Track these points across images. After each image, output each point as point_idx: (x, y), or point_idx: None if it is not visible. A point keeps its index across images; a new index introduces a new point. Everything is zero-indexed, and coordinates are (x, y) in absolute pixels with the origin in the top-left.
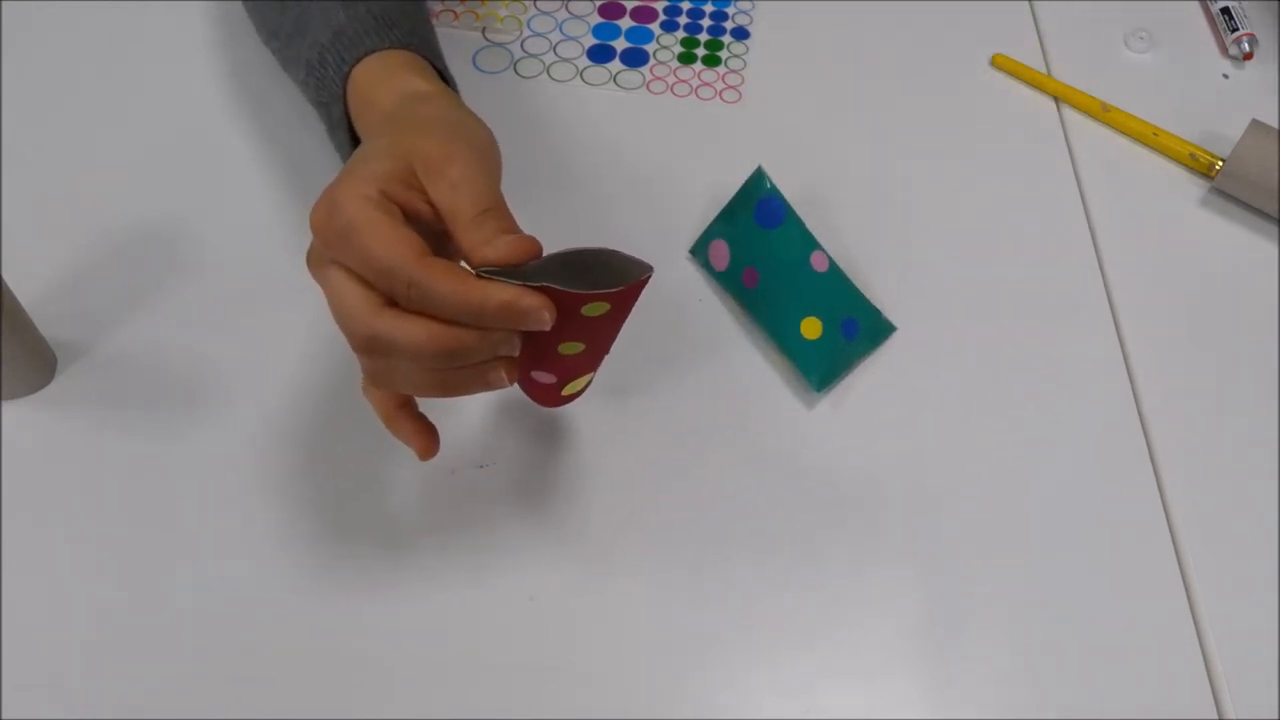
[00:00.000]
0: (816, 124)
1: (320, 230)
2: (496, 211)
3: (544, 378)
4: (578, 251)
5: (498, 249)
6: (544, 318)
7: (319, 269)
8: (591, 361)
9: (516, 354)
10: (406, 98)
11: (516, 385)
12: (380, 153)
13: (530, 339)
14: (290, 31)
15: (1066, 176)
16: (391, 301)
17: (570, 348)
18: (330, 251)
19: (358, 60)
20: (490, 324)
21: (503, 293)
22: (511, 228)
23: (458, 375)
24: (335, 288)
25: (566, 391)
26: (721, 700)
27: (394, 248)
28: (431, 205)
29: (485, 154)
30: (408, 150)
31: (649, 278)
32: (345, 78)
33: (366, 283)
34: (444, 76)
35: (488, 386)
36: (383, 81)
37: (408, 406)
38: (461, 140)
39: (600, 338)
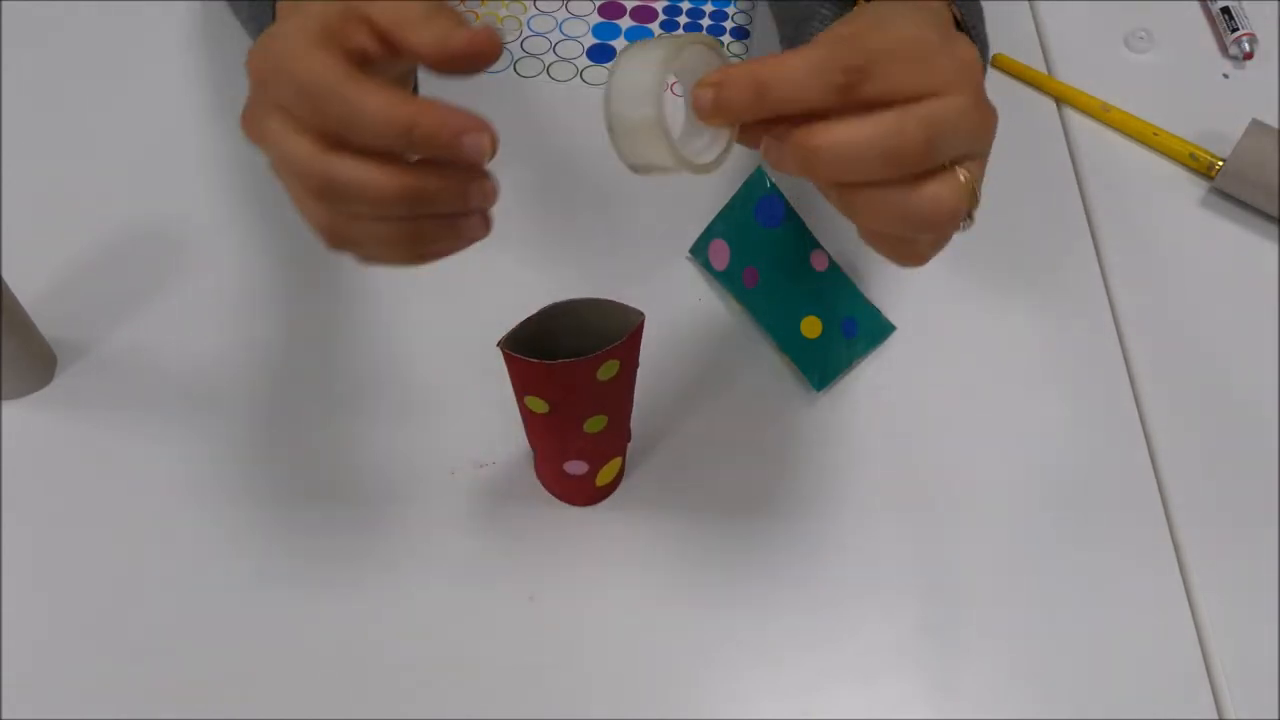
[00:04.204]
0: None
1: (255, 70)
2: (446, 10)
3: (576, 468)
4: (552, 309)
5: (459, 39)
6: (482, 142)
7: (257, 124)
8: (617, 438)
9: (491, 203)
10: None
11: (547, 490)
12: (304, 8)
13: (554, 426)
14: None
15: (1066, 176)
16: (338, 144)
17: (595, 424)
18: (265, 93)
19: None
20: (424, 143)
21: (439, 107)
22: (465, 23)
23: (428, 227)
24: (277, 136)
25: (601, 481)
26: (721, 701)
27: (324, 70)
28: (379, 34)
29: None
30: None
31: (643, 323)
32: None
33: (310, 129)
34: None
35: (461, 239)
36: None
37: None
38: None
39: (619, 403)
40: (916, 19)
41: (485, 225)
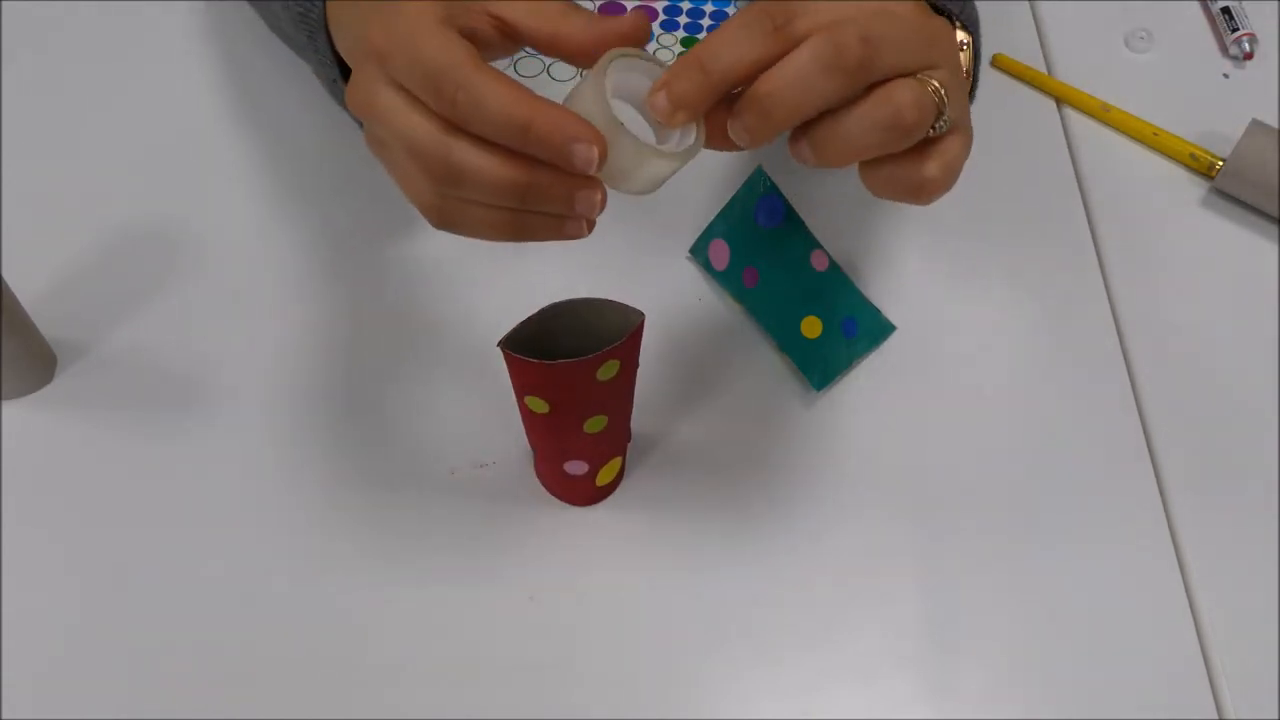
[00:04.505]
0: None
1: (374, 43)
2: (574, 4)
3: (576, 468)
4: (552, 309)
5: (624, 23)
6: (591, 153)
7: (368, 97)
8: (617, 438)
9: (595, 213)
10: None
11: (548, 490)
12: None
13: (554, 426)
14: None
15: (1067, 176)
16: (456, 128)
17: (594, 424)
18: (382, 67)
19: None
20: (535, 144)
21: (557, 110)
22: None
23: (532, 220)
24: (392, 113)
25: (601, 481)
26: (721, 701)
27: (451, 53)
28: (496, 19)
29: None
30: None
31: (643, 323)
32: None
33: (426, 107)
34: None
35: (563, 235)
36: None
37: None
38: None
39: (619, 403)
40: None
41: (587, 228)
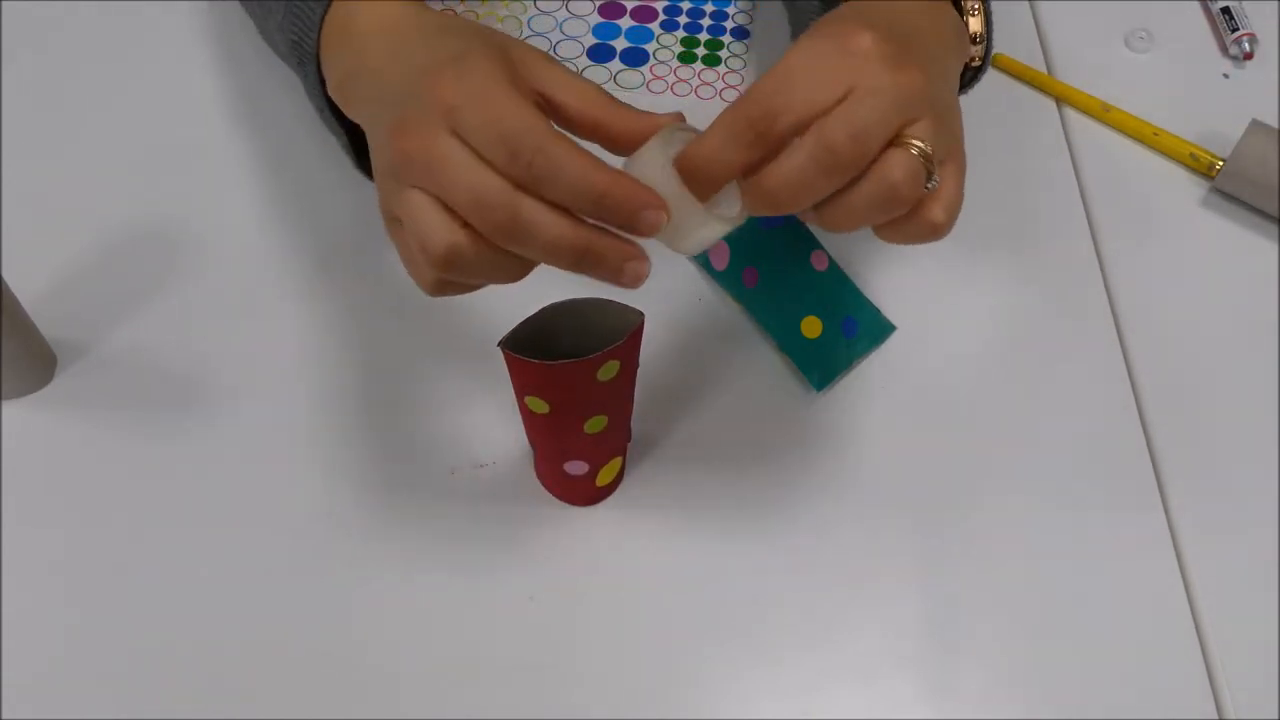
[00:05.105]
0: None
1: (443, 94)
2: (611, 96)
3: (576, 468)
4: (552, 309)
5: (662, 119)
6: (657, 220)
7: (425, 141)
8: (617, 439)
9: (635, 286)
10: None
11: (547, 490)
12: (481, 48)
13: (554, 426)
14: None
15: (1067, 176)
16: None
17: (594, 424)
18: (448, 117)
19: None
20: (608, 212)
21: (628, 180)
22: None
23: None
24: (463, 165)
25: (601, 481)
26: (721, 701)
27: (533, 121)
28: (544, 97)
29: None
30: (504, 44)
31: (643, 323)
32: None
33: (496, 168)
34: None
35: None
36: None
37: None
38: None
39: (619, 403)
40: (858, 15)
41: (641, 277)
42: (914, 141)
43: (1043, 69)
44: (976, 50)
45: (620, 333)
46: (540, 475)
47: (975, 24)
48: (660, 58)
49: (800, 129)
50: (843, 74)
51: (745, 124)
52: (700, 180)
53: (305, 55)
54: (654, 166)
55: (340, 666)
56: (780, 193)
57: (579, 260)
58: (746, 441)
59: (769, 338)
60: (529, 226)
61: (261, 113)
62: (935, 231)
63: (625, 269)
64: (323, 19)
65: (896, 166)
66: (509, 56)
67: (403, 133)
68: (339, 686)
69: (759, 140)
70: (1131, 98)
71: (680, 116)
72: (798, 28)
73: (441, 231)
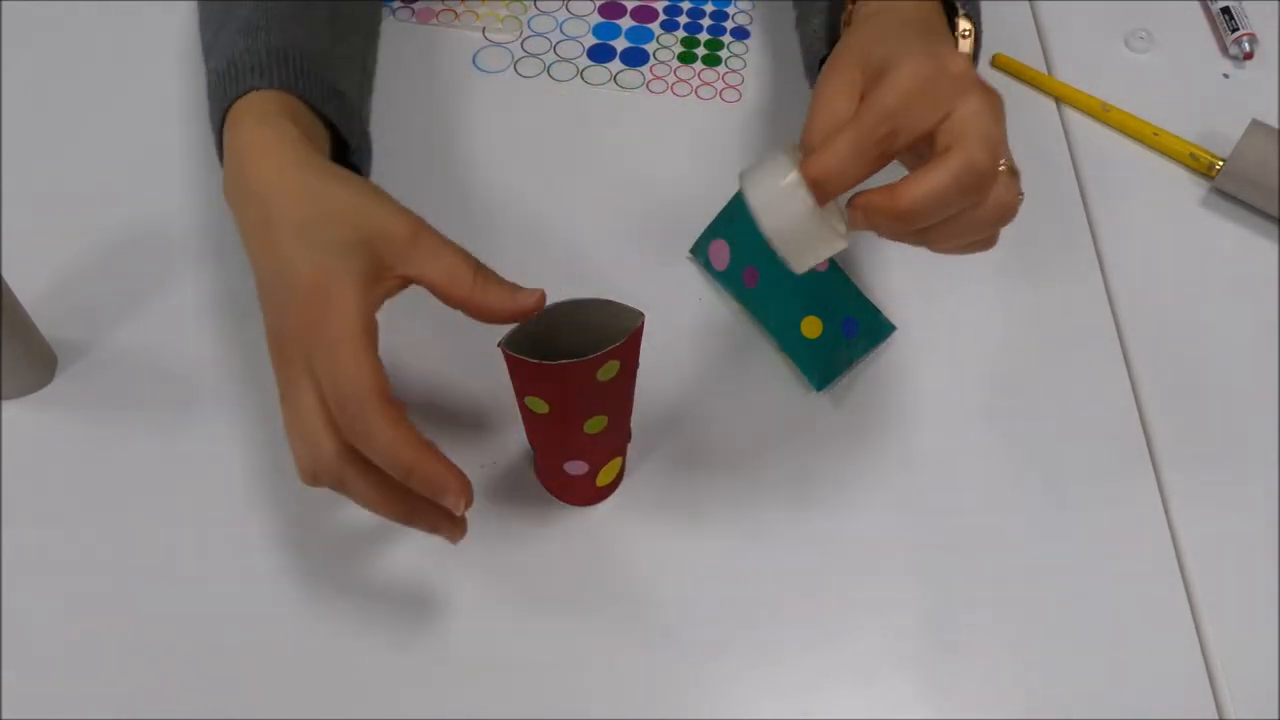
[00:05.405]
0: None
1: (303, 337)
2: (483, 268)
3: (576, 468)
4: (552, 309)
5: (531, 296)
6: (460, 503)
7: (289, 364)
8: (617, 438)
9: (454, 540)
10: (291, 165)
11: (548, 490)
12: (345, 268)
13: (554, 426)
14: (211, 36)
15: (1067, 176)
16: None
17: (594, 424)
18: (307, 360)
19: (239, 95)
20: (416, 485)
21: (434, 464)
22: (502, 279)
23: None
24: (310, 417)
25: (601, 481)
26: (721, 701)
27: (359, 379)
28: (401, 280)
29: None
30: (369, 236)
31: (643, 323)
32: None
33: (328, 408)
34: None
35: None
36: (255, 131)
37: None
38: (392, 203)
39: (619, 403)
40: (907, 39)
41: (451, 540)
42: (1007, 161)
43: (1043, 69)
44: (965, 47)
45: (620, 333)
46: (540, 475)
47: (964, 23)
48: (660, 58)
49: (912, 148)
50: (945, 95)
51: (872, 141)
52: (827, 191)
53: (213, 123)
54: (775, 190)
55: (339, 666)
56: (918, 209)
57: (397, 520)
58: (747, 442)
59: (769, 338)
60: (350, 490)
61: None
62: (993, 241)
63: (440, 530)
64: (222, 124)
65: (1006, 187)
66: (376, 259)
67: (279, 347)
68: (339, 686)
69: (881, 157)
70: (1131, 98)
71: (542, 295)
72: (803, 24)
73: (306, 469)
